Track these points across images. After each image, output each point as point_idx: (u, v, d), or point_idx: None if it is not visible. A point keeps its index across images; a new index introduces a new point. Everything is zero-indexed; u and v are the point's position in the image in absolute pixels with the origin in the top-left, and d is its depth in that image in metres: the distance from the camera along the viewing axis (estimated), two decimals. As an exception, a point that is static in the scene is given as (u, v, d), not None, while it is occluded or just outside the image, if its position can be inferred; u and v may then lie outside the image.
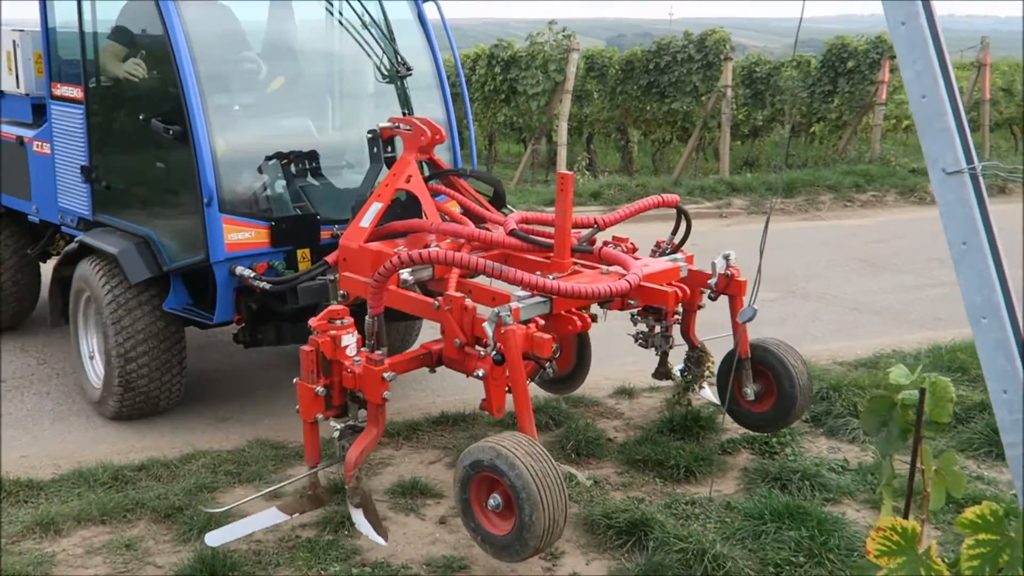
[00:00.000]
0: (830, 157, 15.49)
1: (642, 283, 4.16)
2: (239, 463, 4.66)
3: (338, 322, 3.74)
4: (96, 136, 5.39)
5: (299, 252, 4.86)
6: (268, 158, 4.85)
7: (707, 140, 16.34)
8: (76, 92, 5.43)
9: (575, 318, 4.14)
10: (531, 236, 4.47)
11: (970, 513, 1.60)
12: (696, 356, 4.92)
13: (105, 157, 5.39)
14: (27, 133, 6.02)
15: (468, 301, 3.90)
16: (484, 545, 3.47)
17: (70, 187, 5.62)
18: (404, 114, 5.35)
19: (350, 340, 3.74)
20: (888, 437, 1.89)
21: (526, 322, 3.78)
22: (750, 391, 4.62)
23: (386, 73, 5.43)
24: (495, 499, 3.40)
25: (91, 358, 5.51)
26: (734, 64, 14.69)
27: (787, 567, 3.61)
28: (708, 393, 5.07)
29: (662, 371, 5.03)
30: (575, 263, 4.36)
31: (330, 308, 3.78)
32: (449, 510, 4.19)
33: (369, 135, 4.95)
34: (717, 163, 14.95)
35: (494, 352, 3.65)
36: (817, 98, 15.45)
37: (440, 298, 3.95)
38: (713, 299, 4.62)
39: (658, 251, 4.83)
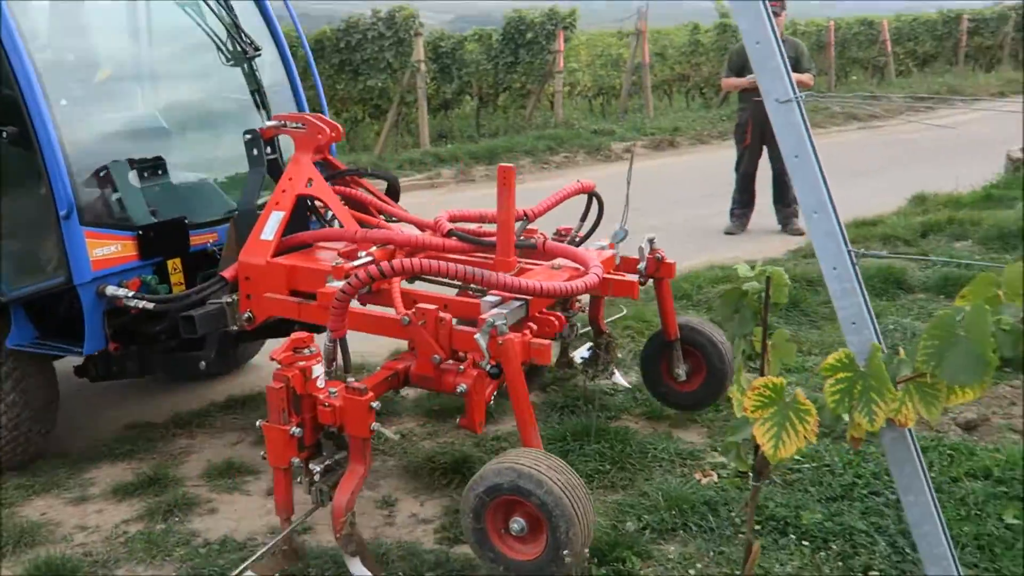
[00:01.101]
0: (519, 125, 16.47)
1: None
2: (30, 474, 4.43)
3: (306, 351, 3.24)
4: None
5: (169, 263, 4.37)
6: (131, 161, 4.30)
7: (401, 115, 16.75)
8: None
9: (552, 319, 3.94)
10: (471, 236, 4.14)
11: (831, 359, 2.08)
12: (605, 342, 4.81)
13: None
14: None
15: (443, 314, 3.57)
16: (509, 572, 3.21)
17: None
18: (256, 100, 4.96)
19: (320, 371, 3.27)
20: (741, 320, 2.34)
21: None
22: (681, 372, 4.56)
23: (232, 55, 4.95)
24: (518, 523, 3.15)
25: None
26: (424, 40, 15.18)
27: (596, 475, 4.09)
28: (619, 377, 5.00)
29: (564, 360, 4.88)
30: (519, 261, 4.07)
31: (294, 336, 3.24)
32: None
33: (248, 136, 4.45)
34: (412, 137, 15.42)
35: (489, 365, 3.40)
36: (501, 69, 16.32)
37: (410, 313, 3.57)
38: (643, 284, 4.33)
39: (564, 239, 4.50)
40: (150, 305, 4.11)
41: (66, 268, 4.05)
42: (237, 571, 3.28)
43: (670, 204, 10.07)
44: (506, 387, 3.46)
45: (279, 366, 3.17)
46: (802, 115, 2.12)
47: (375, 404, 3.21)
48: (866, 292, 2.19)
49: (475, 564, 3.47)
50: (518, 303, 3.62)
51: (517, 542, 3.19)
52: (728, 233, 8.90)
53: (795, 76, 9.22)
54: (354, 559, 3.26)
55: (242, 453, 4.59)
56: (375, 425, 3.19)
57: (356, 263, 3.83)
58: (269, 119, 4.67)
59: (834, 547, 3.41)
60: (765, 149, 8.66)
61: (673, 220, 9.31)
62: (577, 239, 4.49)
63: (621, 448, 4.27)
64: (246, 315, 4.14)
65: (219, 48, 4.92)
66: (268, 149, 4.47)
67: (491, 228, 4.18)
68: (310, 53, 5.93)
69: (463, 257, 4.19)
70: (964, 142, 12.90)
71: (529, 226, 4.29)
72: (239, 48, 4.91)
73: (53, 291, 4.16)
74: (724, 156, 14.02)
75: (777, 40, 2.12)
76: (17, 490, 4.30)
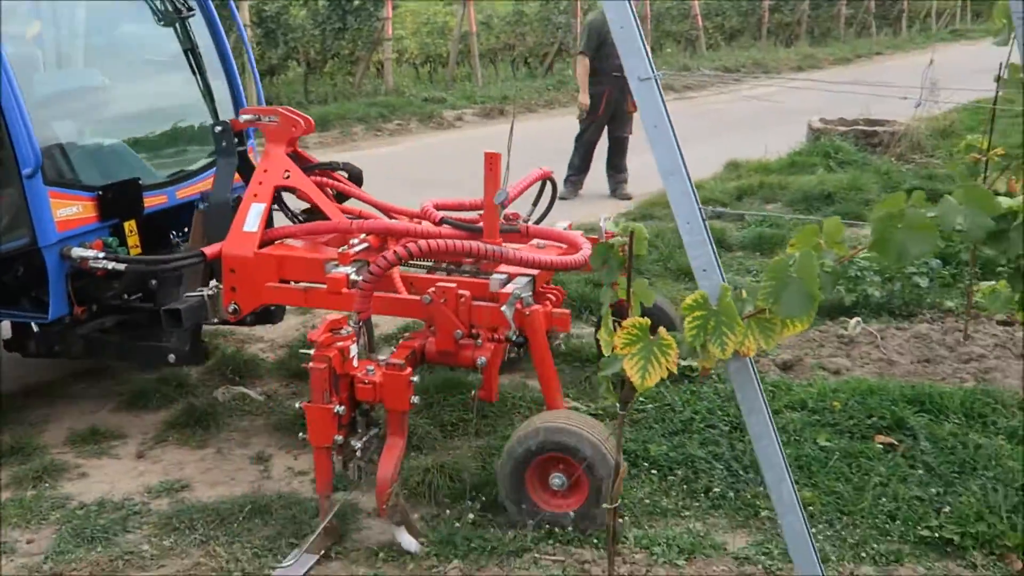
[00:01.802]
0: (348, 92, 16.40)
1: None
2: None
3: (342, 332, 3.34)
4: None
5: (126, 225, 4.27)
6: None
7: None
8: None
9: (553, 293, 4.18)
10: (460, 223, 4.27)
11: (689, 299, 2.42)
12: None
13: None
14: None
15: (463, 291, 3.70)
16: (548, 524, 3.42)
17: None
18: (189, 61, 4.89)
19: (355, 350, 3.37)
20: (608, 271, 2.66)
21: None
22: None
23: (163, 15, 4.81)
24: (559, 478, 3.41)
25: None
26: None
27: (460, 424, 4.38)
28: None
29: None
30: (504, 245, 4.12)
31: (330, 319, 3.33)
32: (142, 447, 4.33)
33: (218, 128, 4.41)
34: (240, 103, 15.09)
35: (515, 335, 3.62)
36: (329, 35, 16.18)
37: (431, 292, 3.69)
38: None
39: (514, 223, 4.53)
40: (120, 266, 4.03)
41: (29, 229, 3.94)
42: (290, 558, 3.31)
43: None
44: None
45: (317, 348, 3.23)
46: (659, 90, 2.44)
47: (415, 378, 3.37)
48: (713, 243, 2.56)
49: (358, 508, 3.70)
50: (527, 279, 3.82)
51: (556, 496, 3.45)
52: (562, 198, 9.32)
53: (576, 62, 9.47)
54: (400, 528, 3.39)
55: (105, 419, 4.60)
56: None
57: (355, 249, 3.93)
58: (203, 81, 4.71)
59: (679, 473, 3.84)
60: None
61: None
62: (529, 222, 4.60)
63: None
64: (231, 307, 4.12)
65: (152, 9, 4.80)
66: (236, 140, 4.45)
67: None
68: (234, 8, 5.75)
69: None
70: (769, 113, 13.88)
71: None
72: (172, 7, 4.81)
73: (12, 255, 4.02)
74: (552, 125, 14.56)
75: (637, 24, 2.44)
76: None
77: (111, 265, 4.04)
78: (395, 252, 3.54)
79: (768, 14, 25.15)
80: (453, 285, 3.71)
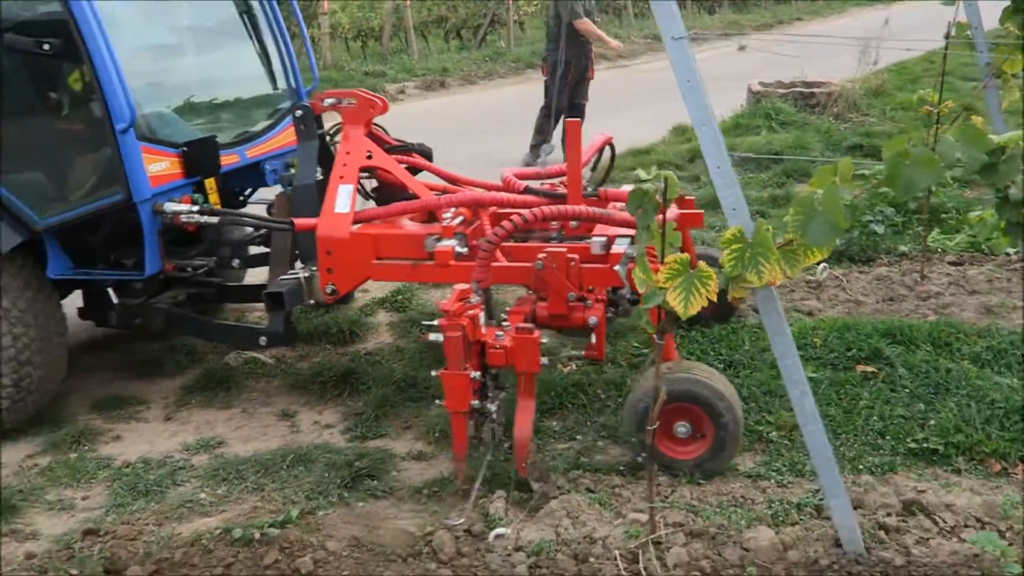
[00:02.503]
0: (287, 68, 16.35)
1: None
2: None
3: (471, 300, 3.46)
4: None
5: (208, 183, 4.30)
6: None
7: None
8: None
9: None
10: (542, 190, 4.32)
11: (727, 233, 2.73)
12: None
13: None
14: None
15: (571, 255, 3.81)
16: (671, 470, 3.61)
17: None
18: (244, 22, 4.96)
19: (483, 318, 3.50)
20: (645, 213, 2.95)
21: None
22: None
23: None
24: (684, 426, 3.60)
25: None
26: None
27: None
28: None
29: None
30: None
31: (459, 289, 3.44)
32: (167, 410, 4.50)
33: (299, 112, 4.46)
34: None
35: (630, 293, 3.75)
36: (265, 12, 16.11)
37: (541, 258, 3.79)
38: None
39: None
40: (214, 219, 4.11)
41: (124, 185, 3.98)
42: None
43: (452, 143, 10.62)
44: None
45: (450, 317, 3.34)
46: (690, 49, 2.74)
47: (544, 339, 3.50)
48: (739, 184, 2.87)
49: (392, 453, 3.95)
50: (627, 239, 3.96)
51: (679, 443, 3.64)
52: (527, 165, 9.58)
53: (580, 24, 9.73)
54: (539, 484, 3.53)
55: (123, 387, 4.75)
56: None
57: (453, 222, 4.08)
58: (259, 42, 4.85)
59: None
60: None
61: (458, 158, 9.89)
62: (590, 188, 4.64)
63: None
64: (329, 288, 4.18)
65: None
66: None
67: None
68: None
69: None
70: (704, 77, 14.30)
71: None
72: None
73: (105, 211, 4.07)
74: (493, 96, 14.82)
75: (673, -10, 2.72)
76: None
77: (204, 219, 4.11)
78: (511, 221, 3.67)
79: (692, -18, 25.67)
80: (563, 250, 3.83)
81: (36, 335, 4.12)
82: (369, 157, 4.39)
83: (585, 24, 9.19)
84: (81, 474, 3.90)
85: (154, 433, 4.29)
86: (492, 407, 3.55)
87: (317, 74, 5.23)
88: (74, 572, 3.18)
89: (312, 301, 4.27)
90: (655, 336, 3.04)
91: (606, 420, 4.11)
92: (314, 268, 4.23)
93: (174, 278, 4.53)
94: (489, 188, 4.62)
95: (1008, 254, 5.82)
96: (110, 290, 4.59)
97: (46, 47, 3.90)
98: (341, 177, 4.27)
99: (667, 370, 3.52)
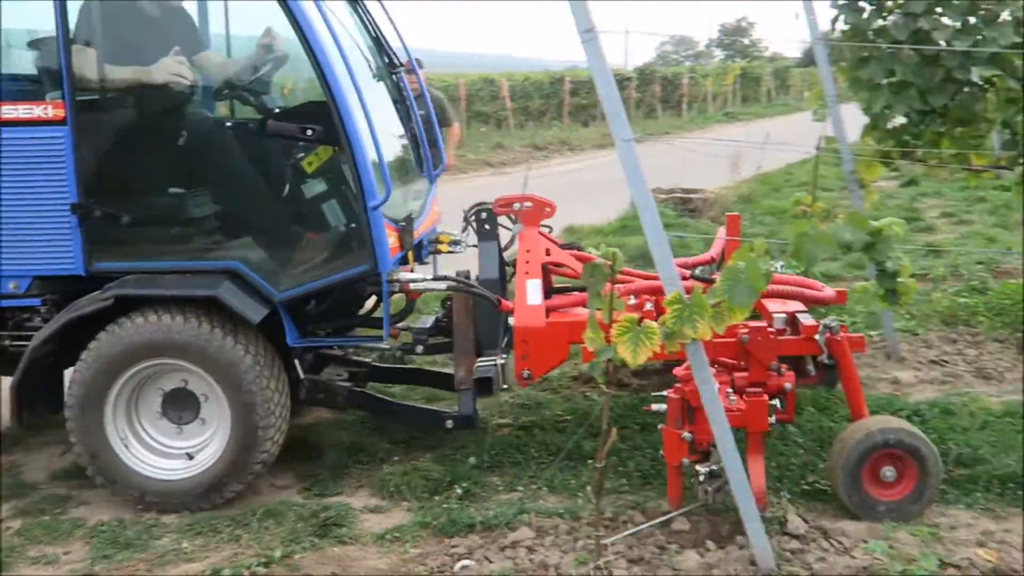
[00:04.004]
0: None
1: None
2: None
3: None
4: (89, 163, 4.28)
5: (408, 256, 4.61)
6: None
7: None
8: (45, 110, 4.24)
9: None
10: (703, 276, 4.81)
11: (669, 296, 3.34)
12: None
13: (110, 189, 4.34)
14: None
15: (769, 328, 4.24)
16: (871, 513, 4.04)
17: (32, 238, 4.34)
18: (399, 112, 5.24)
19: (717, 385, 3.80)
20: (595, 284, 3.54)
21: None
22: None
23: (378, 70, 5.11)
24: (890, 471, 4.06)
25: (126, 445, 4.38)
26: None
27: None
28: None
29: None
30: None
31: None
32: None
33: (482, 212, 4.92)
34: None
35: (827, 359, 4.26)
36: None
37: (746, 331, 4.14)
38: None
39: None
40: (442, 285, 4.53)
41: (371, 257, 4.26)
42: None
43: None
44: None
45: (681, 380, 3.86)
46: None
47: (775, 402, 4.01)
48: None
49: (351, 507, 4.33)
50: (805, 312, 4.47)
51: (883, 486, 4.09)
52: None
53: (446, 130, 10.54)
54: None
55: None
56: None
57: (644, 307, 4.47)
58: (409, 130, 5.21)
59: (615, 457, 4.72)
60: None
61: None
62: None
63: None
64: (524, 373, 4.48)
65: (368, 62, 5.04)
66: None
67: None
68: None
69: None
70: (582, 185, 15.27)
71: None
72: (386, 61, 5.17)
73: (349, 281, 4.38)
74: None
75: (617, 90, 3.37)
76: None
77: (434, 286, 4.55)
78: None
79: (569, 96, 27.24)
80: (764, 324, 4.29)
81: (283, 402, 4.39)
82: (548, 254, 4.85)
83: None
84: (58, 533, 4.12)
85: (119, 501, 4.50)
86: (703, 470, 3.91)
87: (445, 156, 5.62)
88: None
89: (505, 386, 4.65)
90: (604, 386, 3.59)
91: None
92: (505, 356, 4.66)
93: (328, 356, 4.91)
94: (646, 277, 4.95)
95: (871, 335, 6.66)
96: (297, 362, 4.75)
97: (309, 132, 4.26)
98: (527, 272, 4.69)
99: (875, 423, 4.15)
